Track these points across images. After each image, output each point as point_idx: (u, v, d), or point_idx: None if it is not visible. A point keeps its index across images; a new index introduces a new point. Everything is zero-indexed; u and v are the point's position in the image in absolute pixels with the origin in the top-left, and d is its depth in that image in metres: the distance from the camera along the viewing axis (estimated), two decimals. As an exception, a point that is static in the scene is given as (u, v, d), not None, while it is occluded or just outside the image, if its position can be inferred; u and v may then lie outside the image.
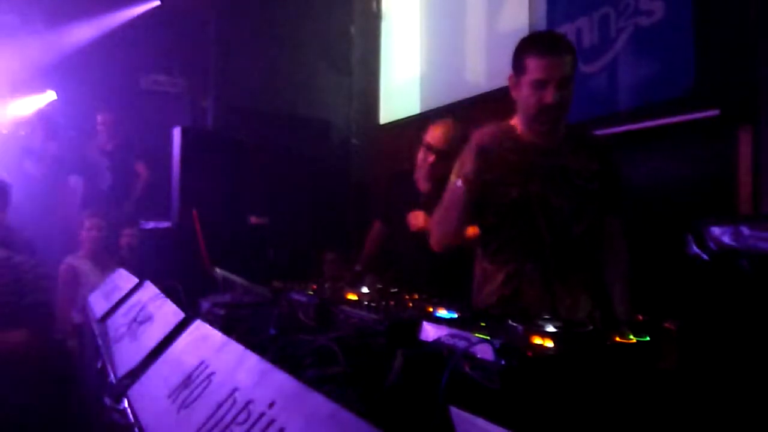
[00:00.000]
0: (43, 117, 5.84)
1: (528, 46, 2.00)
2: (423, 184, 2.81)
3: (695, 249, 0.66)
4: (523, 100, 2.01)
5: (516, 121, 2.09)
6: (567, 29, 3.23)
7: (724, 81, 2.54)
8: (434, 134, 2.71)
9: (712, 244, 0.65)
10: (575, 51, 1.98)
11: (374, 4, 5.50)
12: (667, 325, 1.29)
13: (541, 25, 3.44)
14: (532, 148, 2.03)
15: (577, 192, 2.03)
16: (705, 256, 0.65)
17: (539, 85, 1.93)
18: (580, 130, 2.25)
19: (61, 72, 5.85)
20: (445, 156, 2.53)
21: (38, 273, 2.52)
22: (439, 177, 2.44)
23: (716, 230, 0.66)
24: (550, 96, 1.92)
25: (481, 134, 1.98)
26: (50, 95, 6.07)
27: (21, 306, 2.36)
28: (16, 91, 5.83)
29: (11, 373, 2.20)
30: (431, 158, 2.68)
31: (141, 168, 5.60)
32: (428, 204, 2.49)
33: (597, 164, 2.06)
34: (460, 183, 1.97)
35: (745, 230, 0.63)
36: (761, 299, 0.60)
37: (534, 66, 1.93)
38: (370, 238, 3.27)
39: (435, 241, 2.18)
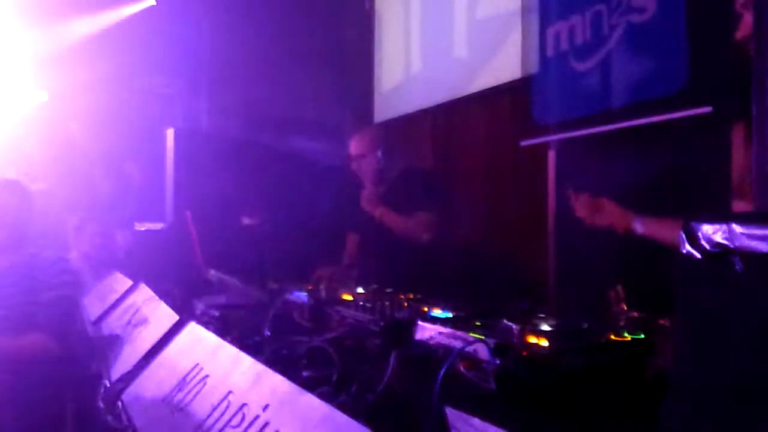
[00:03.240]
0: None
1: None
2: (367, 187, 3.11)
3: (687, 247, 0.66)
4: None
5: None
6: (560, 27, 3.23)
7: (717, 78, 2.54)
8: (352, 145, 3.12)
9: (704, 243, 0.65)
10: None
11: (367, 3, 5.49)
12: (661, 322, 1.29)
13: (534, 22, 3.44)
14: None
15: None
16: (697, 255, 0.65)
17: None
18: None
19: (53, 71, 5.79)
20: (362, 157, 2.97)
21: (58, 268, 2.38)
22: (369, 176, 2.96)
23: (709, 228, 0.66)
24: None
25: None
26: (42, 95, 5.99)
27: (39, 304, 2.21)
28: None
29: (29, 377, 2.08)
30: (354, 163, 3.07)
31: (132, 169, 5.54)
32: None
33: None
34: None
35: (738, 228, 0.63)
36: (753, 298, 0.60)
37: None
38: (347, 251, 3.29)
39: None
